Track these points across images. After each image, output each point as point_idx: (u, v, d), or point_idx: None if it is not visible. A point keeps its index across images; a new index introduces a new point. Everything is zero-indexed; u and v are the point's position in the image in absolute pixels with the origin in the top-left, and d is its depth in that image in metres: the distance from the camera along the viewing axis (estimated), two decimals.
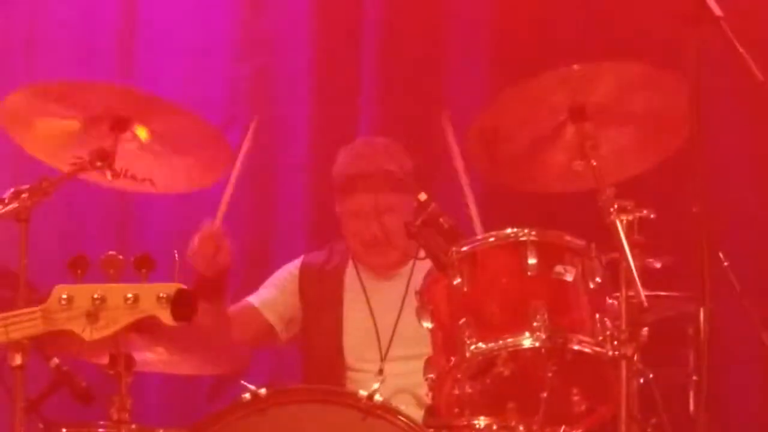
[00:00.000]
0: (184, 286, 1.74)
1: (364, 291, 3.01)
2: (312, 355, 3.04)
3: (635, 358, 2.24)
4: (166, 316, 1.73)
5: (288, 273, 3.10)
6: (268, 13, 3.71)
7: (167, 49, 3.68)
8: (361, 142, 3.21)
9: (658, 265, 2.40)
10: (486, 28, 3.71)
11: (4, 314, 1.87)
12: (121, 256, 1.81)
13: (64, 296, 1.76)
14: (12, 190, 2.25)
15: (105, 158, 2.34)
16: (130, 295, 1.73)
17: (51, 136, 2.45)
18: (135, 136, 2.41)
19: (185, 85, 3.61)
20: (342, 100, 3.70)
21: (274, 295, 3.05)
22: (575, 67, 2.44)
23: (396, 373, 2.80)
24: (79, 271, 1.80)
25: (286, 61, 3.73)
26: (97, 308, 1.73)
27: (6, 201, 2.24)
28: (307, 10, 3.72)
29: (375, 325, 2.95)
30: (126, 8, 3.69)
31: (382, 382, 2.37)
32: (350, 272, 3.05)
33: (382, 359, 2.90)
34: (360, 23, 3.70)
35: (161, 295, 1.72)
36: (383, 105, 3.70)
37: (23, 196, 2.22)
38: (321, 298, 3.03)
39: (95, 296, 1.73)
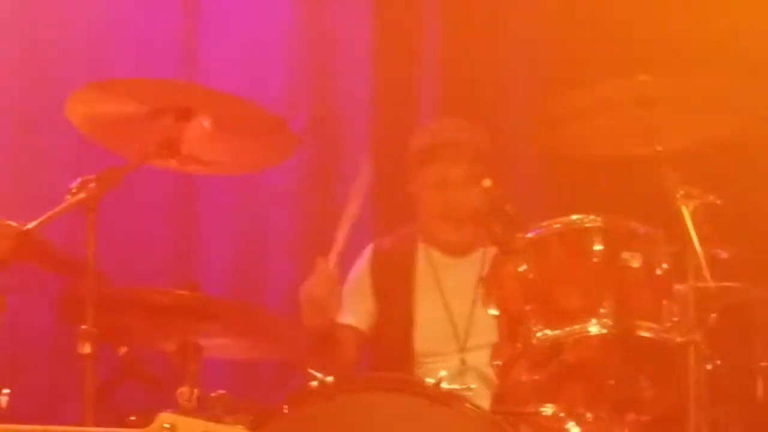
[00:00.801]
0: None
1: (436, 278, 2.98)
2: (383, 345, 3.02)
3: (703, 344, 2.24)
4: None
5: (359, 272, 3.07)
6: (328, 5, 3.79)
7: (229, 39, 3.75)
8: (444, 118, 3.29)
9: (725, 256, 2.40)
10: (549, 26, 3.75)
11: None
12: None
13: (167, 425, 1.76)
14: (79, 180, 2.28)
15: (171, 147, 2.37)
16: None
17: (117, 126, 2.48)
18: (200, 124, 2.43)
19: (245, 75, 3.70)
20: (402, 91, 3.75)
21: (357, 302, 3.02)
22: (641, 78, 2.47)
23: (474, 363, 2.81)
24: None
25: (346, 55, 3.80)
26: None
27: (74, 191, 2.27)
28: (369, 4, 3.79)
29: (449, 314, 2.93)
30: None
31: (458, 373, 2.40)
32: (421, 257, 3.02)
33: (462, 349, 2.89)
34: (421, 17, 3.76)
35: None
36: (443, 99, 3.76)
37: (90, 185, 2.25)
38: (392, 286, 3.01)
39: None
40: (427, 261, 3.01)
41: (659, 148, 2.38)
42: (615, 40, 3.37)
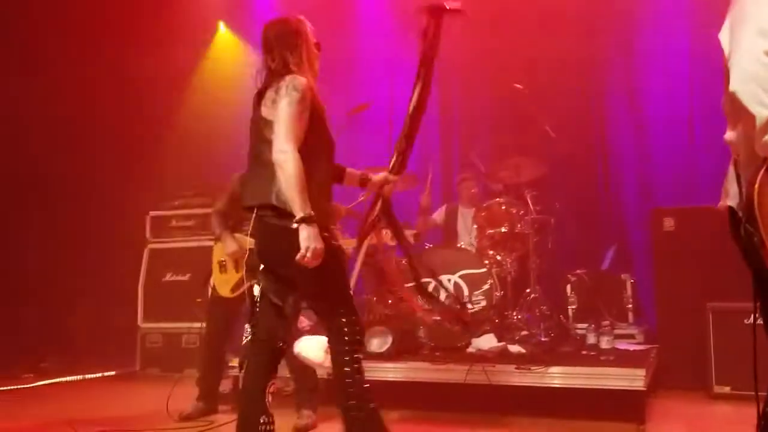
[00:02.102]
0: None
1: (462, 214, 8.51)
2: (446, 230, 9.08)
3: None
4: None
5: (440, 211, 8.57)
6: None
7: None
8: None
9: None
10: None
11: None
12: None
13: None
14: None
15: None
16: None
17: None
18: None
19: None
20: None
21: (439, 217, 8.51)
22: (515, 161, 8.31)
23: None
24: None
25: None
26: None
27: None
28: None
29: (466, 223, 8.61)
30: None
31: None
32: (459, 209, 8.53)
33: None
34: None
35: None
36: None
37: None
38: (450, 215, 8.65)
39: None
40: (460, 211, 8.81)
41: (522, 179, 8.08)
42: None
